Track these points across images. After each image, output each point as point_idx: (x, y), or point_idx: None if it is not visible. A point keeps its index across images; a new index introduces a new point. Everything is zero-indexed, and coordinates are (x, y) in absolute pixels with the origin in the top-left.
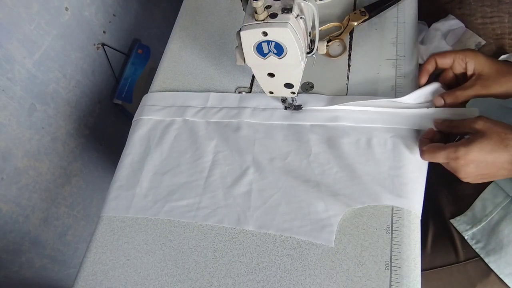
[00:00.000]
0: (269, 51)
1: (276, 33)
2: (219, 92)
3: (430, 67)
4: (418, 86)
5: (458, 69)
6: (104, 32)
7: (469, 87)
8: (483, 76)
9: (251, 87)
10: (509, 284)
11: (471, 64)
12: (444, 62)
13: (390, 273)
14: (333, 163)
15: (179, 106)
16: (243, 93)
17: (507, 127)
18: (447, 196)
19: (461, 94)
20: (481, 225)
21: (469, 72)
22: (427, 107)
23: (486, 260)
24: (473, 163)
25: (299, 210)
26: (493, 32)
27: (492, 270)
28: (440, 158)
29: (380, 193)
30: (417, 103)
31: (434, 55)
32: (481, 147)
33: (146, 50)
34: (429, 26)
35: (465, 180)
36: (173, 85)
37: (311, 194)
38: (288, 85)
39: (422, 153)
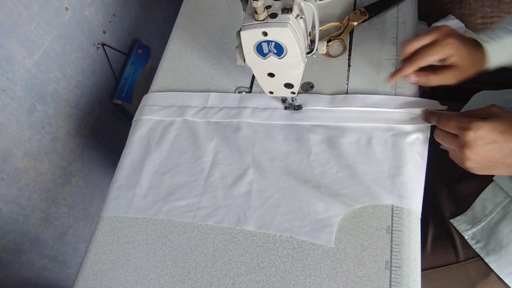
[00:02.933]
0: (269, 51)
1: (276, 33)
2: (219, 92)
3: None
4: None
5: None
6: (104, 32)
7: (443, 75)
8: (460, 69)
9: (251, 87)
10: (509, 284)
11: (453, 57)
12: (431, 58)
13: (390, 273)
14: (333, 163)
15: (179, 106)
16: (243, 93)
17: None
18: (447, 196)
19: (434, 79)
20: (481, 225)
21: (448, 63)
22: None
23: (486, 260)
24: (483, 139)
25: (299, 210)
26: None
27: (492, 270)
28: (452, 125)
29: (380, 192)
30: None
31: (412, 42)
32: (494, 126)
33: (146, 50)
34: (429, 26)
35: (467, 164)
36: (173, 85)
37: (311, 194)
38: (288, 85)
39: (437, 120)
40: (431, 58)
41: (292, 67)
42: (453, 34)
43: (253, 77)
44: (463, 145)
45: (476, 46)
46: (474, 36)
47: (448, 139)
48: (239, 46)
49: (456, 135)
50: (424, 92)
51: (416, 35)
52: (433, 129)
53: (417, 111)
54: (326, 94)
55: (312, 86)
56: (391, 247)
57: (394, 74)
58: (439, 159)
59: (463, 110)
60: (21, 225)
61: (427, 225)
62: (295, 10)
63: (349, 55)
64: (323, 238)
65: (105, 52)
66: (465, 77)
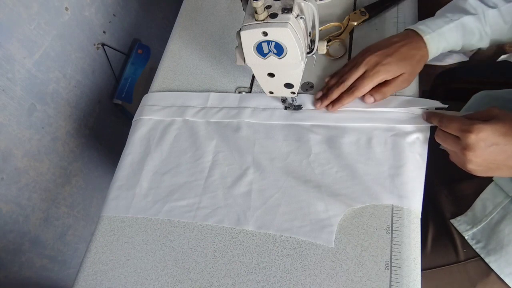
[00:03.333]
0: (269, 51)
1: (276, 33)
2: (219, 92)
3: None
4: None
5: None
6: (104, 32)
7: (394, 84)
8: (404, 74)
9: (251, 87)
10: (509, 284)
11: (390, 74)
12: (366, 88)
13: (390, 273)
14: (333, 163)
15: (179, 106)
16: (243, 93)
17: None
18: (447, 196)
19: (388, 90)
20: (481, 225)
21: (390, 78)
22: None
23: (486, 260)
24: (484, 141)
25: (299, 210)
26: None
27: (492, 270)
28: (454, 127)
29: (380, 192)
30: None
31: (346, 80)
32: (496, 128)
33: (146, 50)
34: None
35: (469, 167)
36: (173, 85)
37: (311, 194)
38: (288, 85)
39: (439, 121)
40: (366, 89)
41: (292, 67)
42: (382, 57)
43: (253, 77)
44: (465, 147)
45: (415, 41)
46: (412, 26)
47: (449, 140)
48: (239, 46)
49: (457, 137)
50: (424, 92)
51: (347, 69)
52: (433, 129)
53: (417, 111)
54: None
55: (312, 86)
56: (391, 247)
57: (335, 103)
58: (439, 159)
59: (463, 110)
60: (21, 225)
61: (427, 225)
62: (295, 10)
63: (349, 55)
64: (323, 238)
65: (105, 52)
66: (415, 75)
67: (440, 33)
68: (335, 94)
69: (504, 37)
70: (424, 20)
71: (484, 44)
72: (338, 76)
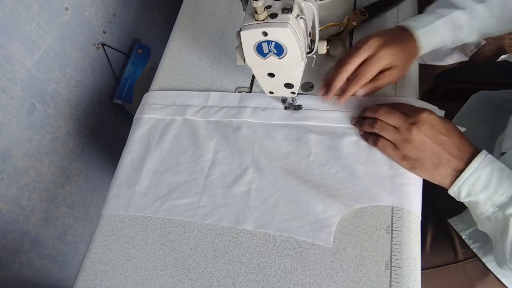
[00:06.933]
0: (269, 51)
1: (276, 33)
2: (219, 92)
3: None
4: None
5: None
6: (104, 32)
7: (386, 77)
8: (398, 67)
9: (251, 87)
10: (506, 284)
11: (390, 62)
12: (371, 74)
13: (390, 273)
14: (333, 163)
15: (179, 105)
16: (243, 93)
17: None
18: (445, 196)
19: (379, 83)
20: None
21: (386, 67)
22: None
23: (483, 260)
24: (431, 123)
25: (298, 210)
26: None
27: (490, 270)
28: (397, 115)
29: (380, 193)
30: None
31: (349, 63)
32: (434, 116)
33: (146, 50)
34: None
35: (405, 151)
36: (173, 85)
37: (310, 195)
38: (288, 85)
39: (380, 112)
40: (371, 74)
41: (292, 67)
42: (384, 42)
43: (253, 77)
44: (413, 122)
45: (406, 36)
46: (404, 23)
47: (390, 129)
48: (239, 46)
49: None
50: (424, 92)
51: (348, 54)
52: None
53: None
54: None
55: (312, 86)
56: (391, 247)
57: (342, 95)
58: None
59: (461, 110)
60: (21, 225)
61: (426, 225)
62: (295, 10)
63: None
64: (321, 239)
65: (105, 52)
66: (405, 70)
67: (431, 29)
68: (338, 82)
69: (492, 30)
70: (414, 16)
71: (472, 38)
72: (338, 64)
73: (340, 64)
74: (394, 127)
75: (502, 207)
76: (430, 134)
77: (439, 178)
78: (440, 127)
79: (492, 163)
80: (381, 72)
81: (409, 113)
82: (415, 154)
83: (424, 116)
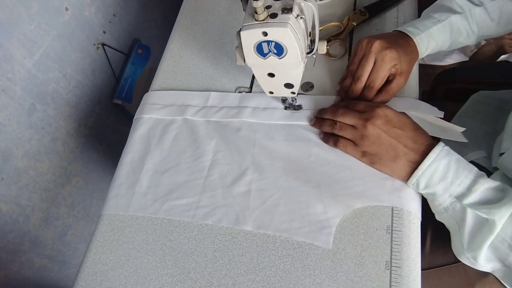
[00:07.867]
0: (269, 51)
1: (276, 33)
2: (219, 92)
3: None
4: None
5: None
6: (104, 32)
7: (396, 84)
8: (403, 73)
9: (251, 87)
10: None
11: (397, 66)
12: (382, 77)
13: (390, 273)
14: (333, 163)
15: (179, 105)
16: (243, 93)
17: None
18: None
19: (391, 91)
20: None
21: (394, 71)
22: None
23: None
24: (382, 118)
25: (298, 211)
26: None
27: None
28: (352, 114)
29: (380, 193)
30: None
31: (362, 73)
32: (389, 110)
33: (146, 50)
34: None
35: (363, 146)
36: (173, 85)
37: (311, 195)
38: (288, 85)
39: (337, 114)
40: (382, 78)
41: (292, 67)
42: (387, 45)
43: (253, 77)
44: (368, 118)
45: (406, 40)
46: (401, 28)
47: (348, 129)
48: (239, 46)
49: (354, 127)
50: (424, 92)
51: (353, 67)
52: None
53: (417, 113)
54: (326, 95)
55: (312, 86)
56: (391, 247)
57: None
58: None
59: (460, 111)
60: (21, 225)
61: (426, 224)
62: (295, 10)
63: (349, 55)
64: (321, 240)
65: (105, 52)
66: (409, 74)
67: (428, 34)
68: (355, 93)
69: (492, 33)
70: (411, 21)
71: (471, 41)
72: (350, 75)
73: (355, 78)
74: (352, 125)
75: (459, 197)
76: (385, 128)
77: (398, 171)
78: (394, 121)
79: (449, 155)
80: (388, 80)
81: (365, 109)
82: (373, 149)
83: (378, 111)
